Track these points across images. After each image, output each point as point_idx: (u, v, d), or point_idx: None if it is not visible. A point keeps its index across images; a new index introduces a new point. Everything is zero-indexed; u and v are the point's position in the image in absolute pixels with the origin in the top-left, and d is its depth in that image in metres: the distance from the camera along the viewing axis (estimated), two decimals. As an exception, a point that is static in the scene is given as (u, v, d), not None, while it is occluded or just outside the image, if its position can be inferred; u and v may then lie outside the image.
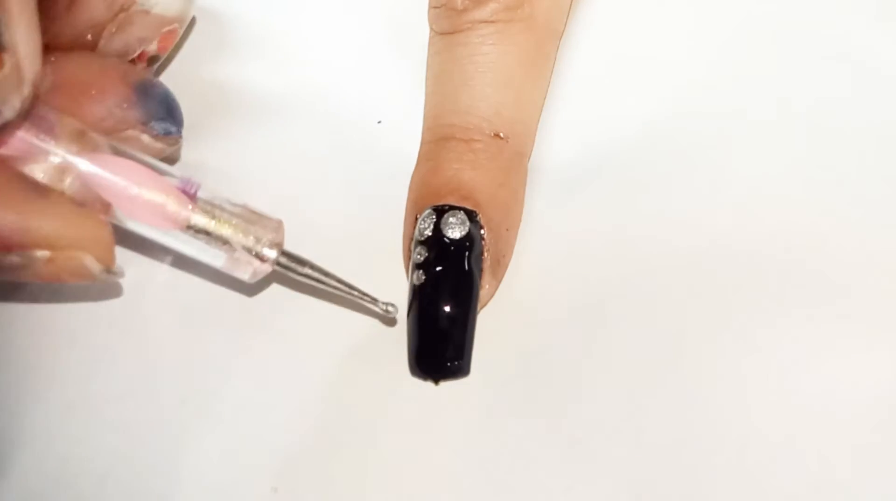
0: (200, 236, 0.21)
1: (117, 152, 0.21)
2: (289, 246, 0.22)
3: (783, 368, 0.22)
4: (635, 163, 0.26)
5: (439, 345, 0.22)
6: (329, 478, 0.22)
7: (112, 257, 0.21)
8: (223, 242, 0.21)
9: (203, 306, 0.24)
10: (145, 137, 0.23)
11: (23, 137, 0.20)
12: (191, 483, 0.22)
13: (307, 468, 0.22)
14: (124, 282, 0.24)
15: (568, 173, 0.26)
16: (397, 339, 0.23)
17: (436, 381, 0.23)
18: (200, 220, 0.21)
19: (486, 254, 0.23)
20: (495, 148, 0.23)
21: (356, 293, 0.22)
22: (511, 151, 0.24)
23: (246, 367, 0.23)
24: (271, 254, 0.22)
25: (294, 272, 0.22)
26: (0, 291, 0.24)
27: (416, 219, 0.23)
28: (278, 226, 0.22)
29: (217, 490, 0.22)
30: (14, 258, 0.19)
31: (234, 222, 0.21)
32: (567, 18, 0.25)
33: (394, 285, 0.24)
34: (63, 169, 0.20)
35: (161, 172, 0.21)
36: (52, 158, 0.20)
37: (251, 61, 0.28)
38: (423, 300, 0.22)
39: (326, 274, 0.22)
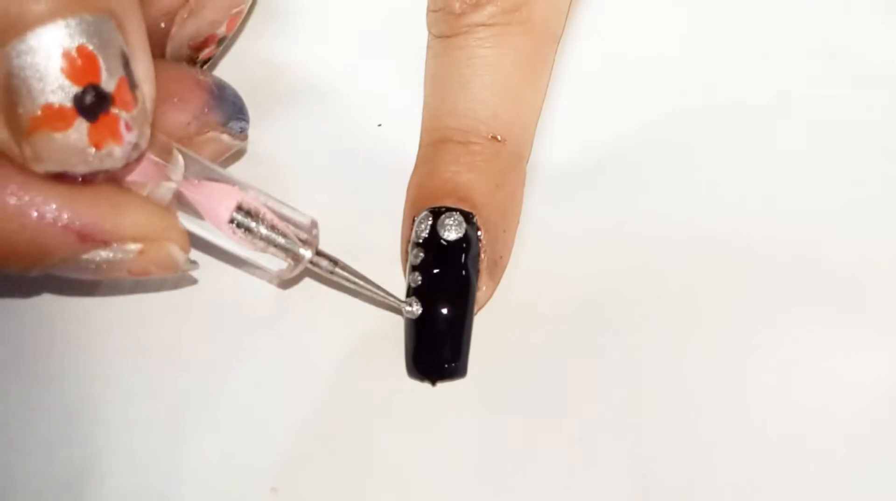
0: (240, 232, 0.21)
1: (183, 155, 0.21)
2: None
3: (783, 366, 0.22)
4: (634, 163, 0.25)
5: (436, 346, 0.23)
6: (328, 478, 0.22)
7: (189, 246, 0.21)
8: (262, 240, 0.21)
9: (203, 308, 0.24)
10: (225, 137, 0.24)
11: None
12: (191, 483, 0.22)
13: (307, 468, 0.22)
14: (125, 281, 0.24)
15: (566, 174, 0.26)
16: (395, 340, 0.23)
17: (433, 382, 0.23)
18: (242, 219, 0.21)
19: (483, 255, 0.23)
20: (492, 150, 0.23)
21: (381, 294, 0.23)
22: (508, 153, 0.24)
23: (246, 368, 0.23)
24: (306, 254, 0.22)
25: (325, 271, 0.22)
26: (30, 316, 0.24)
27: (414, 221, 0.23)
28: (312, 225, 0.22)
29: (217, 490, 0.22)
30: (107, 254, 0.20)
31: (271, 220, 0.22)
32: (565, 21, 0.25)
33: (392, 286, 0.24)
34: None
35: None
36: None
37: (251, 62, 0.28)
38: (420, 302, 0.23)
39: (355, 274, 0.23)
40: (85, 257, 0.19)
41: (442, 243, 0.23)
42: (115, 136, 0.18)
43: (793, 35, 0.27)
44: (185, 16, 0.23)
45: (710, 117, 0.26)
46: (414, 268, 0.23)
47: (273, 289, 0.24)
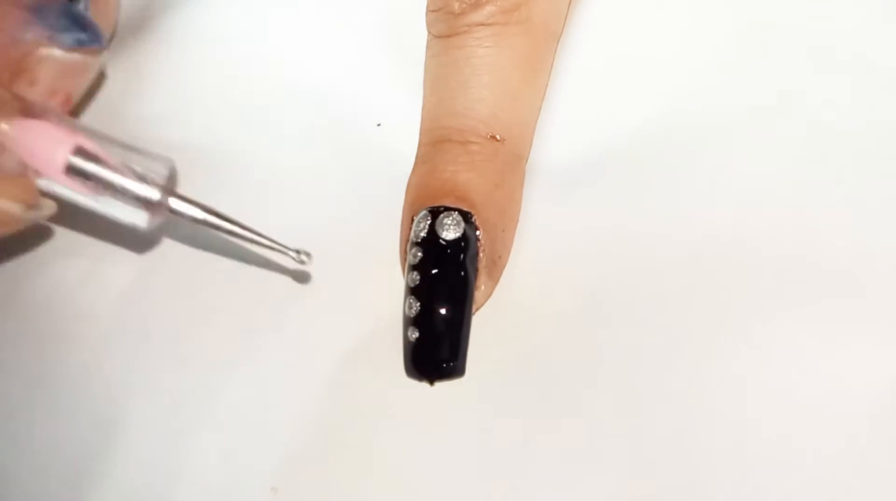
0: (79, 179, 0.20)
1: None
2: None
3: (783, 366, 0.22)
4: (633, 162, 0.25)
5: (434, 346, 0.23)
6: (328, 478, 0.22)
7: (32, 194, 0.20)
8: (105, 187, 0.20)
9: (203, 307, 0.24)
10: (57, 52, 0.22)
11: None
12: (191, 483, 0.22)
13: (307, 468, 0.22)
14: (125, 282, 0.24)
15: (566, 174, 0.26)
16: (394, 340, 0.23)
17: (431, 382, 0.23)
18: (83, 164, 0.20)
19: (481, 255, 0.23)
20: (491, 150, 0.23)
21: (265, 241, 0.21)
22: (507, 152, 0.24)
23: (246, 368, 0.23)
24: (154, 195, 0.20)
25: (187, 218, 0.21)
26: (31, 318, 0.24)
27: (413, 220, 0.23)
28: (168, 164, 0.21)
29: (217, 490, 0.22)
30: None
31: (116, 164, 0.20)
32: (565, 20, 0.25)
33: (391, 286, 0.24)
34: None
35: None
36: None
37: (250, 65, 0.28)
38: (418, 301, 0.23)
39: (230, 220, 0.21)
40: None
41: (440, 243, 0.23)
42: None
43: (793, 35, 0.27)
44: None
45: (709, 117, 0.26)
46: (412, 267, 0.23)
47: (273, 289, 0.24)
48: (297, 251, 0.22)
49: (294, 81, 0.27)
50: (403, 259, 0.24)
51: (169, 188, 0.21)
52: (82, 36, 0.22)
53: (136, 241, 0.24)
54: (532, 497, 0.21)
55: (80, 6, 0.23)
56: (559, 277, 0.24)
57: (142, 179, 0.20)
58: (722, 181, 0.25)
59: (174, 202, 0.21)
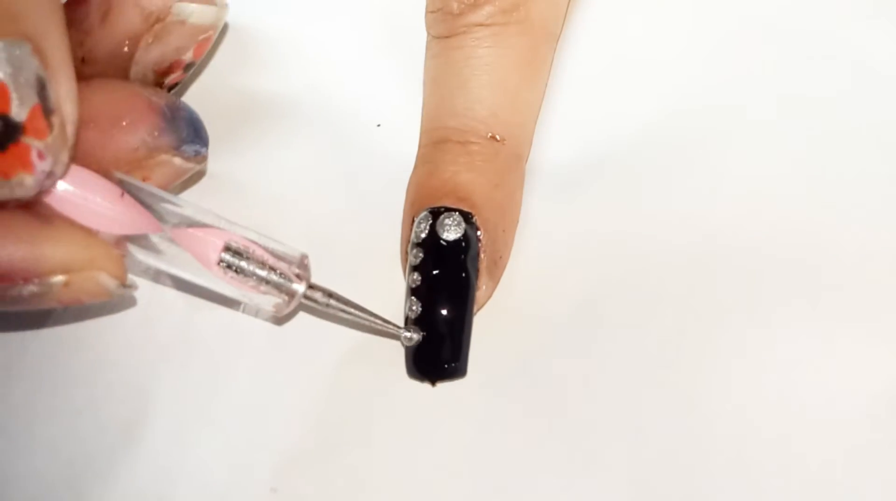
0: (230, 272, 0.21)
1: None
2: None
3: (782, 367, 0.22)
4: (633, 163, 0.25)
5: (436, 347, 0.23)
6: (328, 478, 0.22)
7: (124, 272, 0.21)
8: (253, 278, 0.21)
9: (203, 308, 0.24)
10: (177, 160, 0.23)
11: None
12: (191, 483, 0.22)
13: (307, 468, 0.22)
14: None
15: (565, 174, 0.26)
16: (394, 340, 0.23)
17: (433, 382, 0.23)
18: (231, 259, 0.21)
19: (482, 255, 0.23)
20: (491, 150, 0.24)
21: (379, 323, 0.22)
22: (507, 152, 0.24)
23: (246, 368, 0.23)
24: (300, 288, 0.22)
25: (321, 305, 0.22)
26: (31, 319, 0.24)
27: (413, 221, 0.23)
28: (302, 259, 0.22)
29: (217, 490, 0.22)
30: (32, 288, 0.20)
31: (261, 257, 0.21)
32: (563, 21, 0.25)
33: (392, 287, 0.24)
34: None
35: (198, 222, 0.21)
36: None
37: (250, 67, 0.28)
38: (419, 302, 0.23)
39: (351, 304, 0.22)
40: (10, 292, 0.19)
41: (441, 243, 0.23)
42: (26, 165, 0.18)
43: (792, 36, 0.27)
44: (150, 41, 0.23)
45: (708, 118, 0.26)
46: (413, 268, 0.23)
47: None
48: (407, 330, 0.23)
49: (294, 82, 0.28)
50: (404, 260, 0.24)
51: (309, 281, 0.22)
52: (202, 149, 0.23)
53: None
54: (532, 496, 0.21)
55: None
56: (559, 277, 0.24)
57: (284, 272, 0.21)
58: (721, 182, 0.25)
59: (310, 292, 0.22)
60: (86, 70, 0.23)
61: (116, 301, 0.24)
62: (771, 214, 0.24)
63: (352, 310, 0.22)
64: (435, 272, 0.23)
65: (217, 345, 0.24)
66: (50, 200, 0.20)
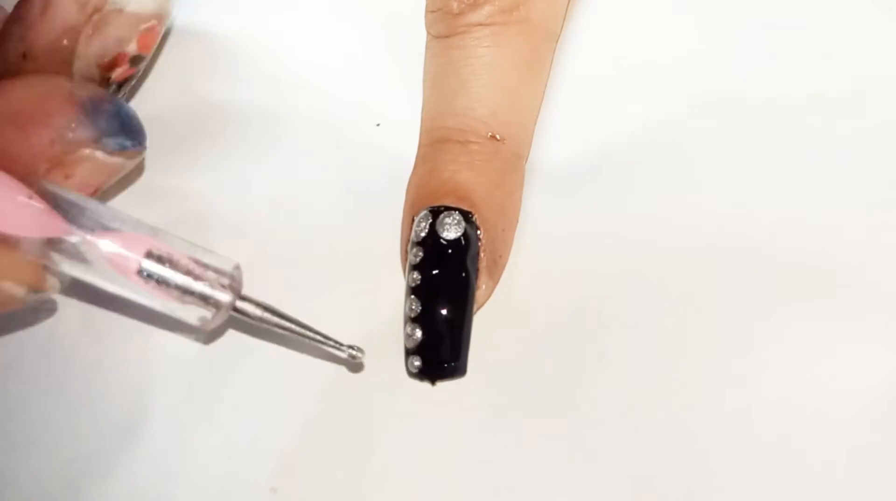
0: (152, 282, 0.20)
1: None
2: (289, 248, 0.23)
3: (782, 366, 0.22)
4: (632, 163, 0.25)
5: (436, 346, 0.23)
6: (328, 478, 0.22)
7: (38, 277, 0.20)
8: (177, 289, 0.20)
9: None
10: (99, 154, 0.22)
11: None
12: (191, 483, 0.22)
13: (307, 468, 0.22)
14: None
15: (565, 173, 0.26)
16: (395, 340, 0.23)
17: (433, 381, 0.23)
18: (152, 266, 0.20)
19: (482, 254, 0.23)
20: (491, 149, 0.24)
21: (320, 338, 0.22)
22: (507, 152, 0.24)
23: (246, 368, 0.23)
24: (225, 298, 0.21)
25: (254, 319, 0.21)
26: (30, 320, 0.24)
27: (413, 221, 0.23)
28: (235, 269, 0.21)
29: (217, 490, 0.22)
30: None
31: (187, 266, 0.20)
32: (563, 20, 0.25)
33: (392, 286, 0.24)
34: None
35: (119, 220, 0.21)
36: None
37: (250, 66, 0.28)
38: (419, 301, 0.23)
39: (288, 319, 0.21)
40: None
41: (441, 243, 0.23)
42: None
43: (792, 36, 0.27)
44: (90, 33, 0.23)
45: (708, 118, 0.26)
46: (413, 267, 0.23)
47: (274, 289, 0.24)
48: (351, 347, 0.22)
49: (294, 81, 0.28)
50: (404, 259, 0.24)
51: (238, 291, 0.21)
52: (127, 142, 0.23)
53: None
54: (532, 497, 0.21)
55: (122, 97, 0.23)
56: (559, 276, 0.24)
57: (211, 282, 0.20)
58: (721, 182, 0.25)
59: (241, 304, 0.21)
60: (27, 66, 0.23)
61: (33, 308, 0.24)
62: (771, 214, 0.24)
63: (289, 325, 0.21)
64: (435, 272, 0.23)
65: (217, 345, 0.24)
66: None
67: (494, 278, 0.24)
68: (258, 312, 0.21)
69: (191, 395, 0.23)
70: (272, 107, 0.27)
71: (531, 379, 0.23)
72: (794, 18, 0.27)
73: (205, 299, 0.20)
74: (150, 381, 0.23)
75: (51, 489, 0.22)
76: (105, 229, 0.20)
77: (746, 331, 0.23)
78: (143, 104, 0.27)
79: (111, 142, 0.22)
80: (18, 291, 0.20)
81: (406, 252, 0.24)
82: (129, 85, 0.25)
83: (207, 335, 0.24)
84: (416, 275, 0.23)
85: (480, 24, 0.24)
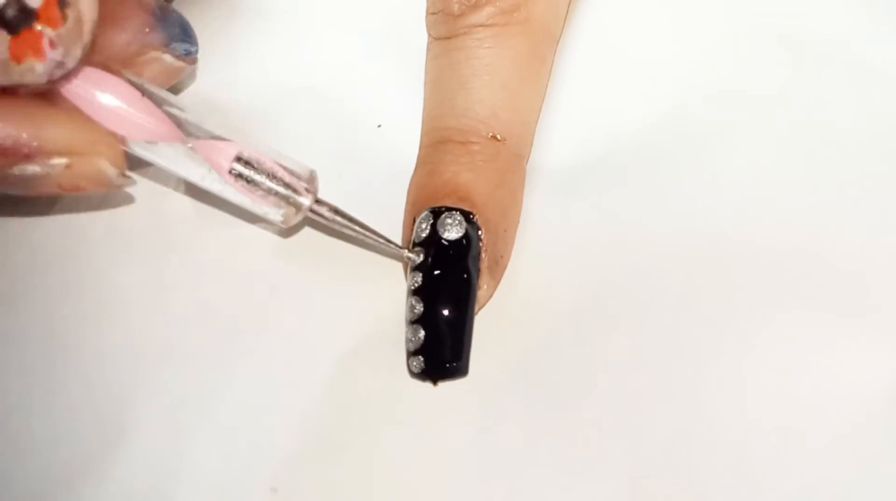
0: (241, 181, 0.22)
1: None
2: (291, 247, 0.23)
3: (784, 365, 0.22)
4: (633, 163, 0.26)
5: (437, 346, 0.22)
6: (329, 478, 0.22)
7: (123, 161, 0.22)
8: (262, 189, 0.22)
9: (203, 308, 0.24)
10: (168, 58, 0.24)
11: None
12: (191, 483, 0.22)
13: (307, 468, 0.22)
14: (125, 283, 0.24)
15: (566, 174, 0.26)
16: (397, 339, 0.23)
17: (434, 382, 0.23)
18: (242, 169, 0.22)
19: (483, 255, 0.23)
20: (492, 150, 0.24)
21: (383, 241, 0.23)
22: (508, 152, 0.24)
23: (245, 367, 0.23)
24: (305, 201, 0.23)
25: (327, 220, 0.23)
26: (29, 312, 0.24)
27: (415, 221, 0.23)
28: (311, 175, 0.23)
29: (217, 490, 0.22)
30: (35, 168, 0.20)
31: (271, 169, 0.22)
32: (564, 21, 0.25)
33: (393, 287, 0.24)
34: None
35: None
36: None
37: (250, 66, 0.28)
38: (421, 302, 0.23)
39: (355, 222, 0.23)
40: (12, 171, 0.20)
41: (443, 243, 0.23)
42: (37, 51, 0.19)
43: (793, 36, 0.27)
44: None
45: (709, 117, 0.26)
46: (415, 268, 0.23)
47: (274, 288, 0.24)
48: (410, 250, 0.23)
49: (295, 82, 0.28)
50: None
51: (316, 195, 0.23)
52: (192, 48, 0.25)
53: (137, 242, 0.25)
54: (533, 497, 0.21)
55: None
56: (560, 277, 0.24)
57: (292, 186, 0.23)
58: (722, 182, 0.25)
59: (318, 207, 0.23)
60: None
61: (115, 197, 0.25)
62: (771, 213, 0.24)
63: (356, 227, 0.23)
64: (436, 272, 0.23)
65: (217, 344, 0.24)
66: (79, 101, 0.21)
67: (496, 279, 0.24)
68: (330, 214, 0.23)
69: (191, 395, 0.23)
70: (273, 107, 0.27)
71: (533, 379, 0.23)
72: (794, 19, 0.27)
73: (286, 200, 0.22)
74: (151, 381, 0.23)
75: (49, 488, 0.22)
76: (202, 133, 0.22)
77: (747, 330, 0.23)
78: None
79: (179, 46, 0.24)
80: (111, 170, 0.21)
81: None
82: None
83: (206, 334, 0.24)
84: (417, 276, 0.23)
85: (481, 26, 0.24)
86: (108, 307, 0.24)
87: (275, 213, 0.23)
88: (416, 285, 0.23)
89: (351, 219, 0.23)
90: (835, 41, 0.27)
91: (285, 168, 0.22)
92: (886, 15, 0.27)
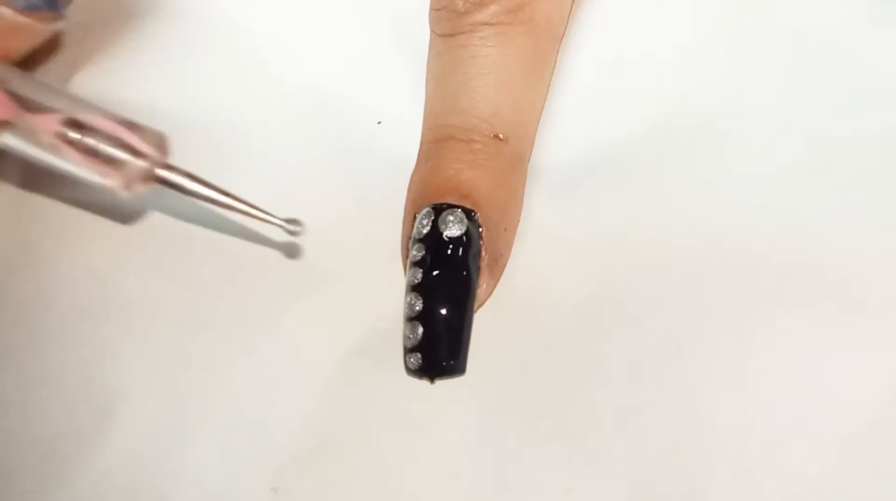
0: (72, 147, 0.21)
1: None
2: (289, 243, 0.23)
3: (783, 367, 0.22)
4: (634, 163, 0.26)
5: (435, 344, 0.22)
6: (329, 478, 0.22)
7: None
8: (92, 153, 0.21)
9: (203, 307, 0.24)
10: (6, 11, 0.22)
11: None
12: (191, 483, 0.22)
13: (307, 468, 0.22)
14: (124, 282, 0.24)
15: (567, 174, 0.26)
16: (395, 338, 0.23)
17: (432, 380, 0.23)
18: (74, 135, 0.21)
19: (483, 253, 0.23)
20: (494, 149, 0.23)
21: (251, 209, 0.22)
22: (510, 151, 0.24)
23: (245, 367, 0.23)
24: (142, 164, 0.21)
25: (181, 188, 0.21)
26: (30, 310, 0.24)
27: (415, 218, 0.23)
28: (161, 138, 0.21)
29: (217, 490, 0.22)
30: None
31: (106, 132, 0.21)
32: (567, 21, 0.25)
33: (392, 284, 0.24)
34: None
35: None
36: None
37: (252, 62, 0.28)
38: (419, 299, 0.23)
39: (217, 189, 0.22)
40: None
41: (443, 240, 0.23)
42: None
43: (794, 38, 0.27)
44: None
45: (711, 119, 0.26)
46: (414, 265, 0.23)
47: (274, 288, 0.24)
48: (289, 221, 0.22)
49: (295, 78, 0.27)
50: (405, 256, 0.24)
51: (164, 161, 0.21)
52: (37, 1, 0.23)
53: (136, 241, 0.24)
54: (531, 496, 0.21)
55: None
56: (560, 276, 0.24)
57: (134, 149, 0.21)
58: (723, 183, 0.25)
59: (164, 173, 0.21)
60: None
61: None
62: (771, 215, 0.25)
63: (218, 196, 0.22)
64: (436, 269, 0.23)
65: (217, 344, 0.23)
66: None
67: (495, 277, 0.24)
68: (188, 183, 0.21)
69: (191, 394, 0.23)
70: (274, 103, 0.27)
71: (531, 378, 0.23)
72: (795, 20, 0.27)
73: (128, 166, 0.21)
74: (150, 380, 0.23)
75: (47, 487, 0.22)
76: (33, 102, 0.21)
77: (747, 331, 0.23)
78: (137, 104, 0.27)
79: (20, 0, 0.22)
80: None
81: (407, 249, 0.23)
82: None
83: (206, 334, 0.23)
84: (416, 272, 0.23)
85: (485, 24, 0.23)
86: (106, 305, 0.24)
87: (116, 178, 0.21)
88: (416, 281, 0.23)
89: (210, 185, 0.21)
90: (835, 42, 0.27)
91: (128, 129, 0.21)
92: (886, 15, 0.27)
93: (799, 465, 0.21)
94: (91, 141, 0.21)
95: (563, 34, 0.25)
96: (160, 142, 0.21)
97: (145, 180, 0.21)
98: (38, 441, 0.22)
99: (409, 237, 0.23)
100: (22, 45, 0.23)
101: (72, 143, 0.20)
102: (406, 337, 0.23)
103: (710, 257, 0.24)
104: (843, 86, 0.26)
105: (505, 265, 0.24)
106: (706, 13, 0.28)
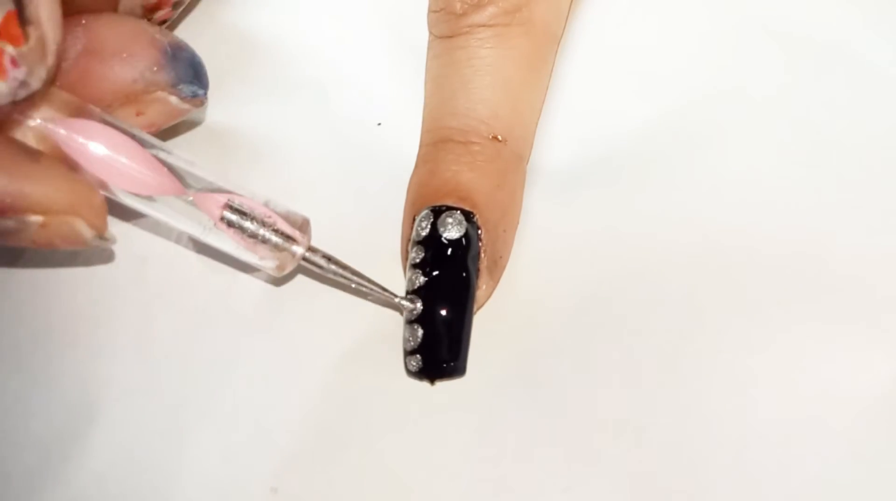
0: (232, 230, 0.22)
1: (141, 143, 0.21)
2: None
3: (784, 367, 0.22)
4: (633, 163, 0.26)
5: (435, 345, 0.23)
6: (328, 478, 0.22)
7: (104, 223, 0.21)
8: (252, 237, 0.22)
9: (204, 307, 0.24)
10: (173, 99, 0.23)
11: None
12: (191, 483, 0.22)
13: (307, 468, 0.22)
14: (124, 281, 0.24)
15: (566, 174, 0.26)
16: (395, 339, 0.23)
17: (432, 381, 0.23)
18: (233, 217, 0.22)
19: (483, 255, 0.23)
20: (493, 150, 0.24)
21: (378, 290, 0.23)
22: (509, 153, 0.24)
23: (245, 367, 0.23)
24: (297, 250, 0.22)
25: (319, 268, 0.23)
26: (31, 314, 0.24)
27: (414, 220, 0.23)
28: (304, 223, 0.23)
29: (217, 490, 0.22)
30: (9, 223, 0.20)
31: (262, 216, 0.22)
32: (565, 22, 0.25)
33: (392, 285, 0.24)
34: (42, 135, 0.20)
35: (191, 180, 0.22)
36: (30, 122, 0.20)
37: (250, 63, 0.28)
38: (419, 301, 0.23)
39: (350, 270, 0.23)
40: None
41: (442, 242, 0.23)
42: None
43: (794, 36, 0.27)
44: None
45: (710, 118, 0.26)
46: (414, 267, 0.23)
47: (273, 288, 0.24)
48: (405, 298, 0.23)
49: (295, 80, 0.27)
50: (404, 259, 0.24)
51: (309, 243, 0.23)
52: (200, 91, 0.24)
53: (136, 239, 0.24)
54: (531, 496, 0.21)
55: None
56: (559, 277, 0.24)
57: (285, 233, 0.22)
58: (723, 183, 0.25)
59: (311, 255, 0.23)
60: (74, 3, 0.23)
61: (92, 253, 0.24)
62: (771, 214, 0.25)
63: (349, 275, 0.23)
64: (435, 271, 0.23)
65: (217, 344, 0.23)
66: (83, 159, 0.20)
67: (495, 279, 0.24)
68: (324, 262, 0.23)
69: (191, 395, 0.23)
70: (273, 106, 0.27)
71: (531, 379, 0.23)
72: (795, 21, 0.27)
73: (278, 248, 0.22)
74: (150, 380, 0.23)
75: (47, 487, 0.22)
76: (200, 183, 0.22)
77: (747, 331, 0.23)
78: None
79: (186, 88, 0.23)
80: (87, 232, 0.21)
81: (406, 251, 0.24)
82: (166, 24, 0.26)
83: (205, 334, 0.24)
84: (416, 274, 0.23)
85: (483, 25, 0.24)
86: (106, 306, 0.24)
87: (269, 260, 0.22)
88: (416, 284, 0.23)
89: (344, 266, 0.23)
90: (834, 42, 0.27)
91: (278, 215, 0.22)
92: (886, 15, 0.27)
93: (799, 465, 0.21)
94: (250, 225, 0.22)
95: (562, 35, 0.25)
96: (304, 225, 0.22)
97: (293, 261, 0.22)
98: (37, 442, 0.22)
99: (409, 240, 0.23)
100: (167, 123, 0.24)
101: (230, 224, 0.22)
102: (406, 340, 0.23)
103: (710, 257, 0.24)
104: (843, 85, 0.26)
105: (504, 267, 0.24)
106: (706, 13, 0.28)
